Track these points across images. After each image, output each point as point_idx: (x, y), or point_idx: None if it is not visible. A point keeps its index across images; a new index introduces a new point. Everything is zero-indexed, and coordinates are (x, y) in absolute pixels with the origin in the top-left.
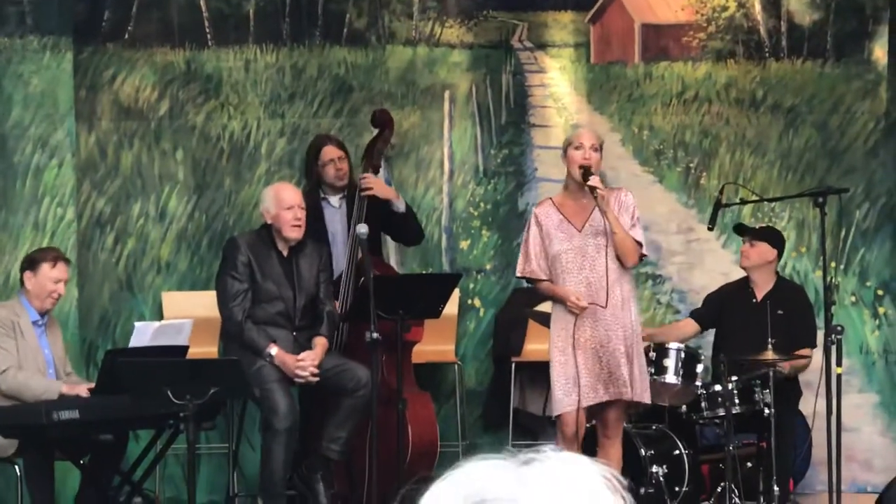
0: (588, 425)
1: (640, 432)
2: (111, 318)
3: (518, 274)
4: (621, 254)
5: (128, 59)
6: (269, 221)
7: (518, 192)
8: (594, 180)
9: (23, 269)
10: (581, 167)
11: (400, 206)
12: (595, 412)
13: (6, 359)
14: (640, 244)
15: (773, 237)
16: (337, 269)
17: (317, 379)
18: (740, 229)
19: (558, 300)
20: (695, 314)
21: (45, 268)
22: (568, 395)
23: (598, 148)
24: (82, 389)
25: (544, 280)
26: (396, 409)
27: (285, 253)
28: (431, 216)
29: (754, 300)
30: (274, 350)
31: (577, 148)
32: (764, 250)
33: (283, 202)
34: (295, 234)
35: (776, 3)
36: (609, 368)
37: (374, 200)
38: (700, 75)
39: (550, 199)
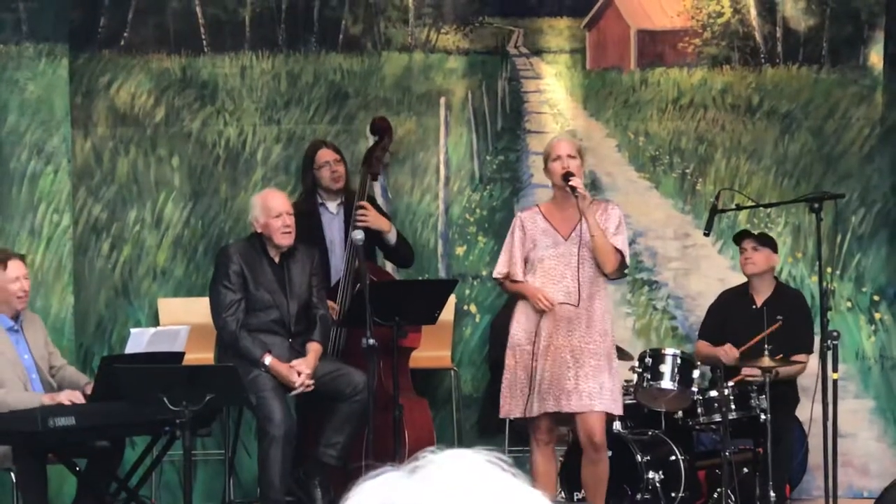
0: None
1: (636, 438)
2: (107, 325)
3: (498, 275)
4: (600, 257)
5: (124, 65)
6: (258, 230)
7: (514, 198)
8: (575, 181)
9: None
10: (564, 173)
11: (391, 239)
12: (568, 423)
13: None
14: (621, 253)
15: (774, 243)
16: (334, 275)
17: (311, 388)
18: (743, 235)
19: (525, 298)
20: (703, 333)
21: None
22: (519, 399)
23: (576, 154)
24: (68, 397)
25: (520, 281)
26: (393, 415)
27: (277, 260)
28: (427, 222)
29: (754, 306)
30: (268, 360)
31: (555, 159)
32: (768, 255)
33: (270, 211)
34: (286, 240)
35: (772, 8)
36: (577, 379)
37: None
38: (696, 81)
39: (538, 206)
